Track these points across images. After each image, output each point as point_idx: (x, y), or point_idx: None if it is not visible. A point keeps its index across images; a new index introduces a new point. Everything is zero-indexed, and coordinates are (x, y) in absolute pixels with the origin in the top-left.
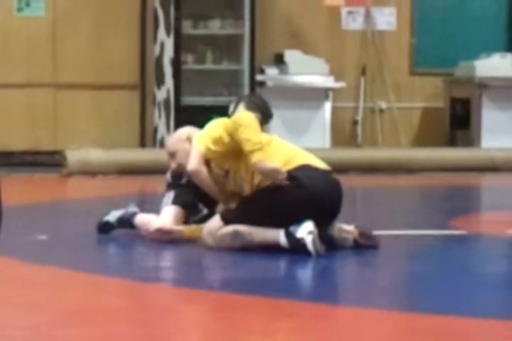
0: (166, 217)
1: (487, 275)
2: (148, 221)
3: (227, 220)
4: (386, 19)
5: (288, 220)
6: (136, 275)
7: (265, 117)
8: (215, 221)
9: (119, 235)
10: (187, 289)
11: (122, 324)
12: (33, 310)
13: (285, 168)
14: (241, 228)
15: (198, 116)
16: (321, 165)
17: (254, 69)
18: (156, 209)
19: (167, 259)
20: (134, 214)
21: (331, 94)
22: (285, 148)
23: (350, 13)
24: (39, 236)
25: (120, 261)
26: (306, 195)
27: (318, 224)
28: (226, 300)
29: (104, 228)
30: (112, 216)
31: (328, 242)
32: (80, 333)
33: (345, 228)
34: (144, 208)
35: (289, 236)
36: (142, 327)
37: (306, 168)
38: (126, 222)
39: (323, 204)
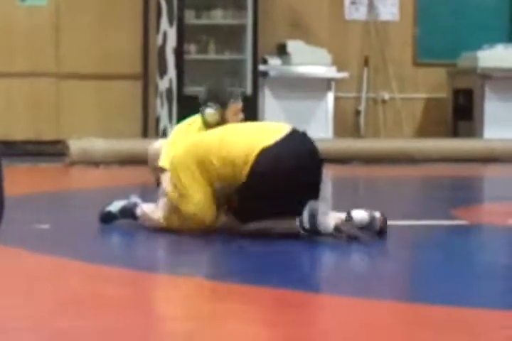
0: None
1: (488, 265)
2: (151, 211)
3: (242, 221)
4: (389, 9)
5: (289, 200)
6: (138, 265)
7: (223, 104)
8: (234, 222)
9: (122, 225)
10: (190, 279)
11: (125, 314)
12: (34, 300)
13: (248, 165)
14: (261, 225)
15: (200, 107)
16: (279, 133)
17: (257, 59)
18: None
19: (170, 249)
20: (136, 204)
21: (333, 84)
22: (238, 141)
23: (353, 3)
24: (41, 226)
25: (122, 251)
26: (279, 174)
27: (311, 190)
28: (231, 290)
29: (106, 218)
30: (114, 206)
31: (311, 226)
32: (82, 323)
33: (328, 212)
34: (146, 198)
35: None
36: (145, 317)
37: (264, 153)
38: (128, 213)
39: (300, 168)
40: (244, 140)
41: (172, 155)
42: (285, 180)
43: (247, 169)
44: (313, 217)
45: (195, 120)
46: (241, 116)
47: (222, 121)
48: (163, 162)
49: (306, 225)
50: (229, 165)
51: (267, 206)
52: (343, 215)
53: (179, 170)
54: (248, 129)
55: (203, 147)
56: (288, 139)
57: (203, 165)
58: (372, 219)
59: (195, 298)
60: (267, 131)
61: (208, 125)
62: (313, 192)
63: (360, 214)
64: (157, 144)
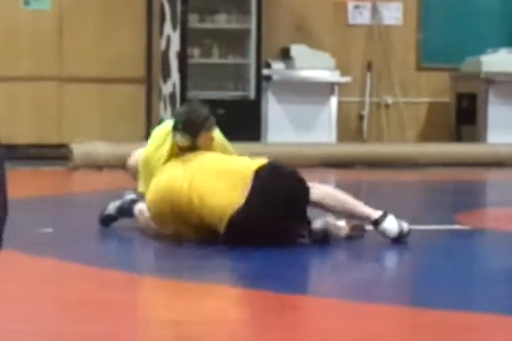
0: None
1: (491, 270)
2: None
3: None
4: (393, 14)
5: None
6: (140, 269)
7: (194, 135)
8: None
9: (124, 228)
10: (191, 283)
11: (126, 318)
12: (36, 303)
13: (223, 224)
14: None
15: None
16: (248, 178)
17: (261, 63)
18: None
19: (171, 253)
20: (133, 201)
21: (336, 88)
22: (209, 196)
23: (356, 7)
24: (44, 229)
25: (125, 255)
26: (257, 227)
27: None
28: (230, 293)
29: (107, 221)
30: (112, 208)
31: (323, 237)
32: (84, 327)
33: (338, 224)
34: None
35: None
36: (145, 321)
37: (236, 216)
38: (126, 211)
39: (278, 213)
40: (215, 196)
41: (147, 200)
42: (264, 228)
43: (223, 226)
44: (325, 233)
45: (166, 138)
46: (217, 137)
47: (193, 147)
48: (141, 188)
49: (318, 237)
50: (204, 223)
51: (255, 240)
52: (375, 214)
53: (158, 221)
54: (216, 177)
55: (175, 196)
56: (259, 188)
57: (179, 215)
58: (400, 232)
59: (195, 301)
60: (236, 182)
61: (179, 148)
62: (301, 218)
63: (391, 225)
64: (137, 154)
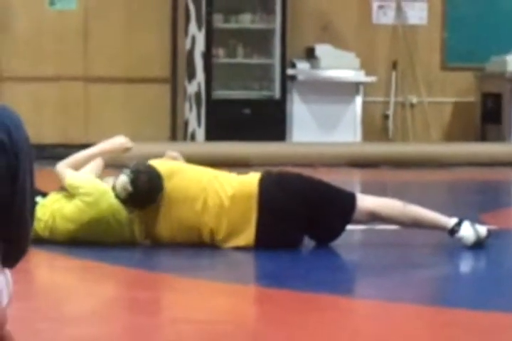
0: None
1: None
2: None
3: None
4: (417, 13)
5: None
6: (164, 269)
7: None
8: None
9: None
10: (216, 283)
11: (152, 317)
12: (64, 302)
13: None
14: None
15: (229, 110)
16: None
17: (285, 63)
18: None
19: (196, 252)
20: None
21: (361, 88)
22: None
23: (381, 7)
24: None
25: (147, 254)
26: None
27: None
28: (256, 293)
29: None
30: None
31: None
32: (108, 326)
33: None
34: None
35: None
36: (173, 321)
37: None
38: None
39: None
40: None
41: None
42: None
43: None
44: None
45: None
46: None
47: None
48: None
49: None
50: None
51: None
52: (450, 222)
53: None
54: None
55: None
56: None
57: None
58: (477, 239)
59: (222, 301)
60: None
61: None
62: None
63: (467, 233)
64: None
